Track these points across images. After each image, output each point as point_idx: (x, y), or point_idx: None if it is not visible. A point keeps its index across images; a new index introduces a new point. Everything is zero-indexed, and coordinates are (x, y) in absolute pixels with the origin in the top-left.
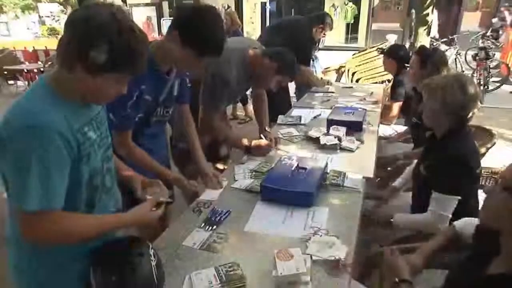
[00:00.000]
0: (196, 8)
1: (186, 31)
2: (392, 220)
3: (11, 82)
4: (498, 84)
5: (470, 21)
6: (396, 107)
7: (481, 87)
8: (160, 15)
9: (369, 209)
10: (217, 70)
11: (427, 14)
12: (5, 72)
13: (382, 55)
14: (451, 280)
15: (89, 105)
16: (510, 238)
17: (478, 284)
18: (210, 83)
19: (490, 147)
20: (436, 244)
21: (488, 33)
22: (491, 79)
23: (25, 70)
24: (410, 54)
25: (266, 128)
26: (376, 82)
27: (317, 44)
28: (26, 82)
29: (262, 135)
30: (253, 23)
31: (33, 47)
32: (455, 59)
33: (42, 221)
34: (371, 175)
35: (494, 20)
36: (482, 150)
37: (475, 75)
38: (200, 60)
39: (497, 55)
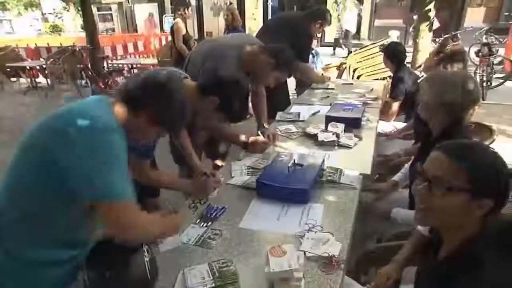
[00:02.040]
0: (233, 83)
1: (224, 103)
2: (391, 214)
3: (13, 79)
4: (501, 81)
5: (474, 17)
6: (395, 105)
7: (484, 84)
8: (162, 12)
9: (368, 201)
10: (214, 67)
11: (429, 10)
12: (8, 69)
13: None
14: (418, 272)
15: None
16: (441, 230)
17: (431, 269)
18: None
19: (489, 144)
20: (407, 252)
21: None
22: (495, 76)
23: (28, 67)
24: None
25: (265, 125)
26: (377, 79)
27: (316, 40)
28: (29, 79)
29: (259, 132)
30: (255, 19)
31: (35, 44)
32: None
33: (127, 210)
34: (368, 172)
35: (415, 17)
36: None
37: (478, 71)
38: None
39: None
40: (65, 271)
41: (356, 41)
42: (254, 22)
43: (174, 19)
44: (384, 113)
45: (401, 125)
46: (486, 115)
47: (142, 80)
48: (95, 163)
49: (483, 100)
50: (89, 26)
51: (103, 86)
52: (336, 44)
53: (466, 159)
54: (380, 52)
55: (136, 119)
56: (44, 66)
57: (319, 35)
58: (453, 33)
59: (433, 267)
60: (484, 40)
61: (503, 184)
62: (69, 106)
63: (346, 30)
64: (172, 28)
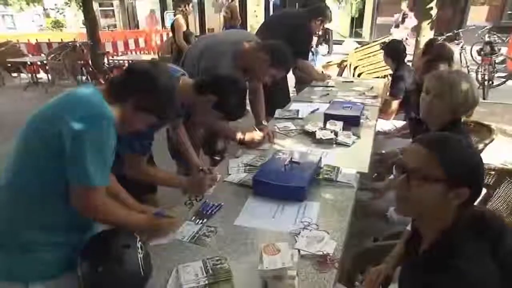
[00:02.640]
0: (230, 82)
1: (221, 101)
2: (387, 213)
3: (14, 74)
4: (503, 80)
5: (477, 15)
6: (395, 103)
7: (486, 83)
8: (163, 8)
9: (365, 200)
10: (210, 64)
11: (431, 8)
12: (9, 65)
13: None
14: (402, 268)
15: None
16: (419, 221)
17: (412, 263)
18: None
19: (489, 143)
20: (398, 251)
21: (393, 27)
22: (497, 75)
23: (28, 63)
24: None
25: (263, 122)
26: (378, 77)
27: (318, 37)
28: (29, 75)
29: (257, 129)
30: (257, 16)
31: (36, 39)
32: (460, 54)
33: (99, 195)
34: (365, 170)
35: (396, 15)
36: (480, 146)
37: (479, 70)
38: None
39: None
40: (64, 254)
41: (337, 39)
42: (255, 19)
43: (174, 16)
44: (384, 111)
45: (400, 123)
46: (487, 114)
47: (127, 69)
48: (82, 151)
49: (485, 99)
50: (90, 22)
51: (103, 82)
52: (319, 42)
53: (441, 150)
54: (381, 50)
55: (123, 107)
56: (45, 61)
57: (319, 32)
58: (455, 31)
59: (414, 262)
60: (487, 39)
61: (478, 174)
62: (65, 95)
63: (326, 28)
64: (172, 24)
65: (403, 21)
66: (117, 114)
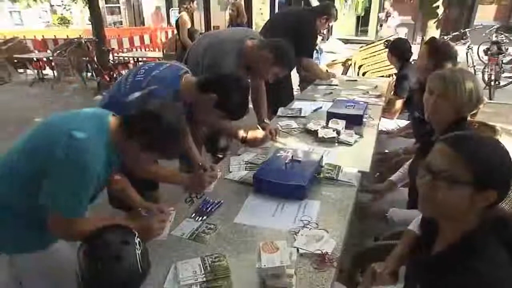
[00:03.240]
0: (235, 81)
1: (223, 100)
2: (387, 214)
3: (20, 70)
4: (510, 80)
5: (485, 14)
6: (399, 103)
7: (492, 83)
8: (169, 5)
9: (365, 201)
10: (214, 61)
11: (437, 7)
12: (15, 61)
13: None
14: (408, 267)
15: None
16: (441, 222)
17: (423, 265)
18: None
19: None
20: (400, 252)
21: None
22: (503, 75)
23: (35, 59)
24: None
25: (265, 120)
26: (383, 76)
27: (322, 36)
28: (36, 71)
29: (259, 126)
30: (262, 14)
31: (43, 36)
32: (466, 53)
33: (70, 224)
34: (367, 170)
35: (380, 14)
36: None
37: (486, 70)
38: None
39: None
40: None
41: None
42: (261, 17)
43: (179, 13)
44: (388, 111)
45: (404, 123)
46: (492, 114)
47: (138, 108)
48: (59, 184)
49: (491, 99)
50: (95, 19)
51: (108, 79)
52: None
53: (468, 151)
54: (386, 49)
55: (129, 144)
56: (50, 58)
57: (324, 31)
58: (461, 30)
59: (426, 261)
60: (494, 39)
61: (506, 176)
62: (67, 117)
63: None
64: (177, 21)
65: (386, 20)
66: (122, 146)
